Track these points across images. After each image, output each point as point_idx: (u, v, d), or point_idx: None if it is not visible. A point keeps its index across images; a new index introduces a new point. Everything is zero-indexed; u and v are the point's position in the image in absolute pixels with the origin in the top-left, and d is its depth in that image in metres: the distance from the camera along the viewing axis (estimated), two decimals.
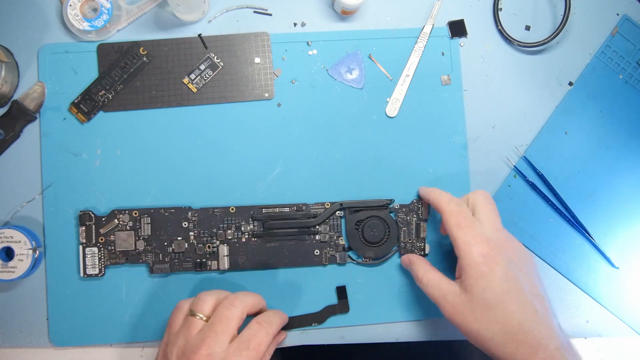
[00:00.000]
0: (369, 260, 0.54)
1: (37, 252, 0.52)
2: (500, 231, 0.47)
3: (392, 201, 0.54)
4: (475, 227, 0.46)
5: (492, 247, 0.44)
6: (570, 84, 0.58)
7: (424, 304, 0.55)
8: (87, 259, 0.53)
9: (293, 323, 0.53)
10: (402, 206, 0.51)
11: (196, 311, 0.45)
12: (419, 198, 0.54)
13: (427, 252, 0.54)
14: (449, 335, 0.55)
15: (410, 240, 0.54)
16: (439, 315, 0.55)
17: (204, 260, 0.53)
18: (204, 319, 0.44)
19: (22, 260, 0.51)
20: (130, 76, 0.54)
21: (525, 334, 0.42)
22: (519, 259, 0.46)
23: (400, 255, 0.54)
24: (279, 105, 0.55)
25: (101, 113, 0.54)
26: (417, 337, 0.55)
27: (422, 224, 0.50)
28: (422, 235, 0.54)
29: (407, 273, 0.55)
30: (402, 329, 0.55)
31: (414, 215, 0.49)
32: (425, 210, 0.53)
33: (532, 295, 0.44)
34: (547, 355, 0.42)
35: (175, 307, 0.47)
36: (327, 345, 0.54)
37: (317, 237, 0.54)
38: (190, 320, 0.44)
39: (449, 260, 0.55)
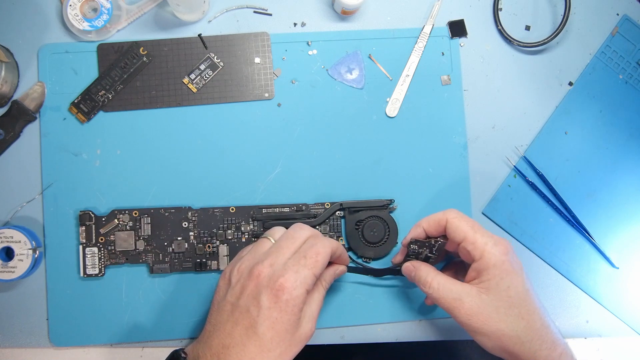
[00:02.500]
0: (369, 260, 0.54)
1: (37, 252, 0.52)
2: None
3: (392, 201, 0.54)
4: (486, 231, 0.46)
5: (508, 246, 0.45)
6: (570, 84, 0.58)
7: (423, 304, 0.55)
8: (87, 259, 0.53)
9: (352, 269, 0.52)
10: (417, 240, 0.49)
11: (268, 235, 0.47)
12: (417, 242, 0.50)
13: None
14: (449, 335, 0.55)
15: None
16: (439, 315, 0.55)
17: (204, 260, 0.53)
18: (273, 241, 0.46)
19: (22, 260, 0.51)
20: (130, 76, 0.54)
21: (546, 329, 0.44)
22: None
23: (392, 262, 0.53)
24: (279, 105, 0.55)
25: (101, 113, 0.54)
26: (417, 337, 0.55)
27: (432, 256, 0.49)
28: (430, 262, 0.51)
29: None
30: (402, 329, 0.55)
31: (426, 249, 0.48)
32: (441, 253, 0.50)
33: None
34: (562, 350, 0.44)
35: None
36: (327, 345, 0.54)
37: None
38: (260, 241, 0.47)
39: None
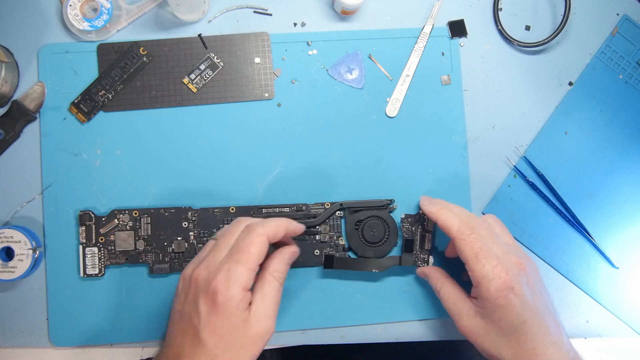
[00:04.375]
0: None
1: (37, 252, 0.52)
2: (513, 252, 0.46)
3: (392, 201, 0.54)
4: (491, 257, 0.44)
5: (511, 277, 0.43)
6: (570, 84, 0.58)
7: (424, 304, 0.55)
8: (87, 259, 0.53)
9: (354, 264, 0.52)
10: (407, 216, 0.50)
11: (214, 236, 0.46)
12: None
13: (430, 263, 0.54)
14: (449, 335, 0.55)
15: (414, 251, 0.54)
16: (438, 315, 0.55)
17: None
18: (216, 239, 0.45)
19: (22, 260, 0.51)
20: (130, 76, 0.54)
21: (537, 357, 0.43)
22: (532, 279, 0.45)
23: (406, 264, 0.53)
24: (279, 105, 0.55)
25: (101, 113, 0.54)
26: (417, 337, 0.55)
27: (427, 235, 0.49)
28: (426, 247, 0.53)
29: (407, 273, 0.55)
30: (402, 329, 0.55)
31: (419, 226, 0.49)
32: (431, 223, 0.52)
33: (546, 315, 0.44)
34: None
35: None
36: (327, 345, 0.54)
37: (317, 237, 0.54)
38: (206, 244, 0.46)
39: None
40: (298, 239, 0.54)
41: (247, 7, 0.56)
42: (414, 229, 0.49)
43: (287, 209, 0.54)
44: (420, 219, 0.49)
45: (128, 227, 0.53)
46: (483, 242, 0.45)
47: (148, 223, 0.53)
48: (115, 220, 0.53)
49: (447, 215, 0.47)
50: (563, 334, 0.45)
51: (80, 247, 0.53)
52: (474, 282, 0.45)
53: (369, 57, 0.56)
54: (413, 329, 0.55)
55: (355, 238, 0.54)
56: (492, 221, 0.49)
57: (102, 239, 0.53)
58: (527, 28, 0.58)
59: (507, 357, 0.44)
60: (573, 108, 0.57)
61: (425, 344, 0.56)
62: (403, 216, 0.49)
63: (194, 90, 0.55)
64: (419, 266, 0.53)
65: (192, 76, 0.55)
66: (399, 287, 0.55)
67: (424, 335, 0.55)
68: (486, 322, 0.45)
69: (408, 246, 0.53)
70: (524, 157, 0.57)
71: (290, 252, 0.46)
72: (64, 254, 0.53)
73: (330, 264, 0.53)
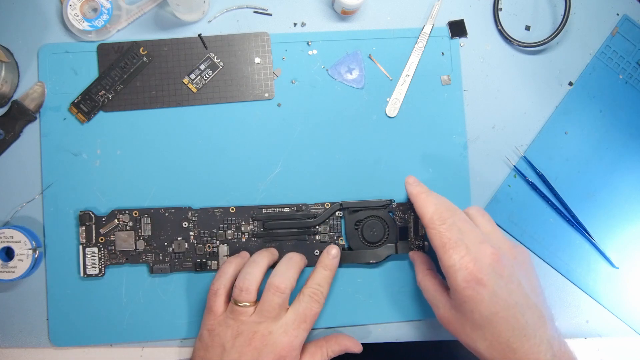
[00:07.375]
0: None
1: (37, 252, 0.52)
2: (490, 242, 0.45)
3: (391, 201, 0.54)
4: (460, 247, 0.43)
5: (479, 268, 0.43)
6: (570, 84, 0.58)
7: (423, 304, 0.55)
8: (87, 259, 0.53)
9: (352, 258, 0.52)
10: (399, 205, 0.51)
11: (240, 301, 0.47)
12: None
13: (426, 249, 0.54)
14: (449, 335, 0.55)
15: (409, 238, 0.54)
16: None
17: (204, 260, 0.53)
18: (249, 305, 0.47)
19: (22, 260, 0.51)
20: (130, 76, 0.54)
21: (513, 351, 0.42)
22: (509, 269, 0.44)
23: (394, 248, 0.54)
24: (279, 105, 0.56)
25: (101, 113, 0.54)
26: (417, 337, 0.55)
27: (419, 221, 0.50)
28: (420, 233, 0.54)
29: (407, 273, 0.55)
30: (402, 329, 0.55)
31: (412, 213, 0.50)
32: None
33: (524, 308, 0.43)
34: None
35: (210, 291, 0.49)
36: None
37: (317, 237, 0.54)
38: (237, 309, 0.47)
39: None
40: (298, 239, 0.54)
41: (247, 7, 0.56)
42: (406, 216, 0.50)
43: (287, 209, 0.54)
44: (412, 206, 0.49)
45: (128, 227, 0.53)
46: (453, 232, 0.44)
47: (148, 223, 0.53)
48: (115, 220, 0.53)
49: (424, 201, 0.47)
50: (547, 327, 0.43)
51: (80, 247, 0.53)
52: (443, 272, 0.45)
53: (369, 57, 0.56)
54: (413, 329, 0.55)
55: (355, 238, 0.54)
56: (474, 212, 0.49)
57: (102, 239, 0.53)
58: (527, 28, 0.58)
59: (483, 349, 0.44)
60: (573, 108, 0.57)
61: (425, 344, 0.56)
62: (395, 205, 0.50)
63: (194, 90, 0.55)
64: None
65: (192, 76, 0.55)
66: (399, 287, 0.55)
67: (425, 335, 0.55)
68: (460, 314, 0.44)
69: (403, 234, 0.53)
70: (524, 157, 0.57)
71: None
72: (64, 254, 0.53)
73: None
